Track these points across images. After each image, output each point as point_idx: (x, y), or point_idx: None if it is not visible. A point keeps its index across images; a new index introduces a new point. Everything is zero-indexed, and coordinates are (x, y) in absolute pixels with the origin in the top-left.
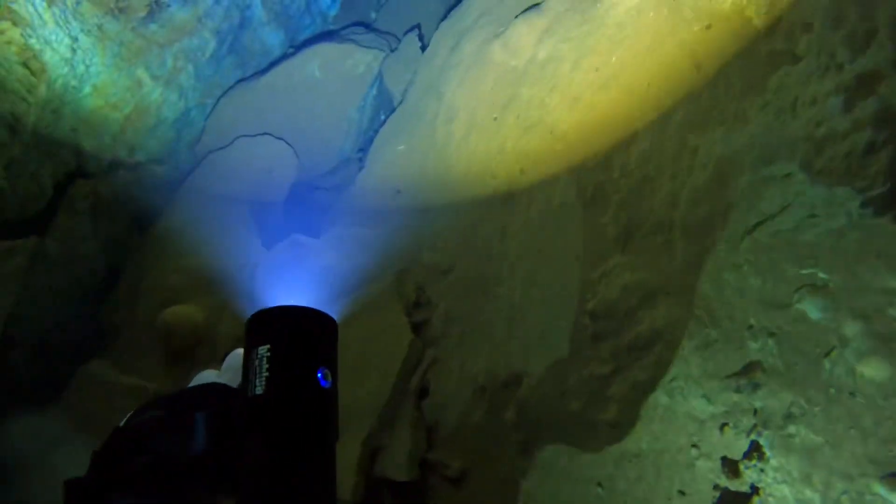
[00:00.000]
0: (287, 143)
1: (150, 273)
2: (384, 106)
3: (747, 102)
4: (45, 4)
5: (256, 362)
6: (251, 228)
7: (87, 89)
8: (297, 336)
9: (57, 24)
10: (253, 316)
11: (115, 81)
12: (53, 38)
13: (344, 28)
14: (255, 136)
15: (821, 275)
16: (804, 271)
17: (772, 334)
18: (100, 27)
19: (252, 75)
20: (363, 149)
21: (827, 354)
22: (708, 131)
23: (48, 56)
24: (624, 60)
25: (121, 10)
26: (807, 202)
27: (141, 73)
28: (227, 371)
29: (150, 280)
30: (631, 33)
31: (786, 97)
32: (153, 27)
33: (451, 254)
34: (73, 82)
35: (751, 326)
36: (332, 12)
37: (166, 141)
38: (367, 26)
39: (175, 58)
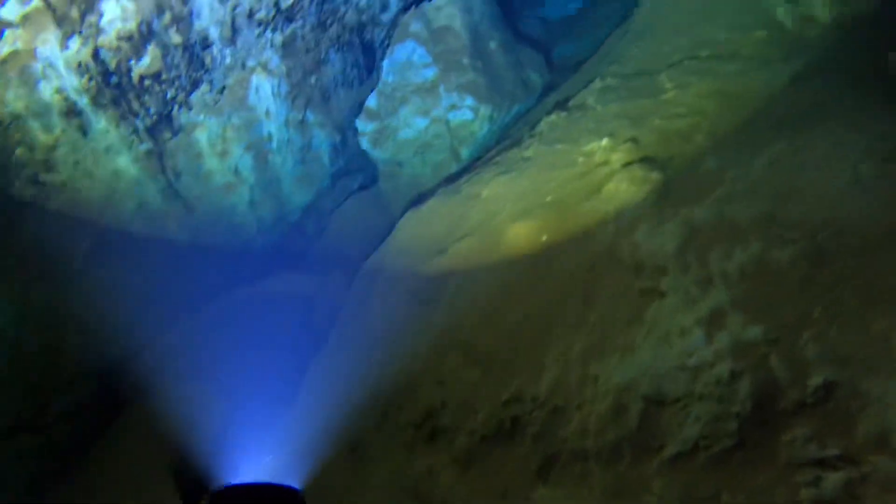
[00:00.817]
0: None
1: None
2: None
3: (632, 333)
4: None
5: None
6: None
7: None
8: None
9: None
10: (214, 495)
11: None
12: None
13: None
14: None
15: (724, 497)
16: (707, 493)
17: None
18: None
19: None
20: None
21: None
22: (604, 360)
23: None
24: (525, 297)
25: None
26: (699, 425)
27: None
28: None
29: None
30: (527, 275)
31: (661, 328)
32: None
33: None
34: None
35: None
36: None
37: None
38: None
39: None
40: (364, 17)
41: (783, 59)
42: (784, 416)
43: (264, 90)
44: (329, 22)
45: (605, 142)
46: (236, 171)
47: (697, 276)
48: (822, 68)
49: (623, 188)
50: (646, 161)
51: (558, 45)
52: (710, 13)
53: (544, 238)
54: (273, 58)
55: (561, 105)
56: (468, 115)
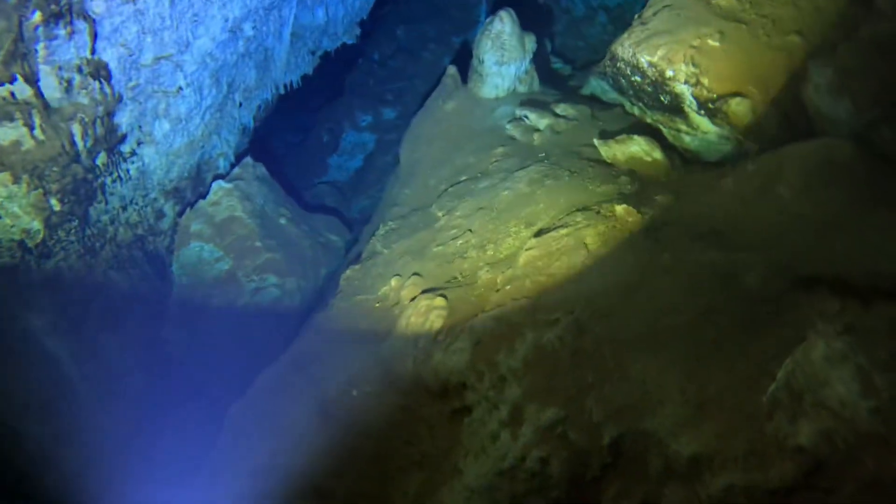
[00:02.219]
0: None
1: None
2: None
3: (455, 456)
4: None
5: None
6: None
7: None
8: None
9: None
10: None
11: None
12: None
13: None
14: None
15: None
16: None
17: None
18: None
19: None
20: None
21: None
22: (438, 493)
23: None
24: (355, 456)
25: None
26: None
27: None
28: None
29: None
30: (351, 435)
31: (477, 442)
32: None
33: None
34: None
35: None
36: None
37: None
38: None
39: None
40: (140, 231)
41: (520, 167)
42: (595, 484)
43: (33, 332)
44: (99, 245)
45: (393, 282)
46: None
47: (492, 380)
48: (549, 167)
49: (413, 321)
50: (429, 291)
51: (354, 202)
52: (459, 142)
53: (355, 393)
54: (37, 296)
55: (355, 258)
56: (275, 292)
